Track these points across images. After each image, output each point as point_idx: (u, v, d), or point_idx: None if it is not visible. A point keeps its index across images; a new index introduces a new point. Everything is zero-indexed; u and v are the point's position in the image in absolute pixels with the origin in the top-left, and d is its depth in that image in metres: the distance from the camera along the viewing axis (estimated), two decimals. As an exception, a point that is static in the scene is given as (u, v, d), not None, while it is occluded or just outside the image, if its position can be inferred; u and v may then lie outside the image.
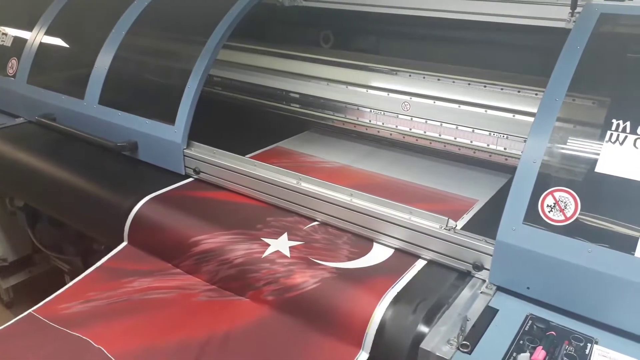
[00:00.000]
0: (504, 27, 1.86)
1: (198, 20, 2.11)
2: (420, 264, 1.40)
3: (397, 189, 1.81)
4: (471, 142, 1.94)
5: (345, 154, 2.14)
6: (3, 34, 2.63)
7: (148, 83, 2.15)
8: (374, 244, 1.49)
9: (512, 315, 1.20)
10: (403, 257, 1.43)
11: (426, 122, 2.04)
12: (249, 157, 1.83)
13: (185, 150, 1.86)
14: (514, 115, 1.85)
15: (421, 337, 1.15)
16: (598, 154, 1.21)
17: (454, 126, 1.96)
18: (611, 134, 1.21)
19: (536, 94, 1.80)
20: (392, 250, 1.46)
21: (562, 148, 1.27)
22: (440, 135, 2.01)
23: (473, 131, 1.94)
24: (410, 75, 2.09)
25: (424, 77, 2.05)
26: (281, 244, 1.48)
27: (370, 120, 2.22)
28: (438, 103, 2.00)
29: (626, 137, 1.19)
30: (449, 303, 1.26)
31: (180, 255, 1.54)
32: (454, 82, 1.99)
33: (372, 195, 1.51)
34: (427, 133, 2.05)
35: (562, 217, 1.20)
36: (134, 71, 2.20)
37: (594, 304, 1.16)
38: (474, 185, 1.83)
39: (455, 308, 1.24)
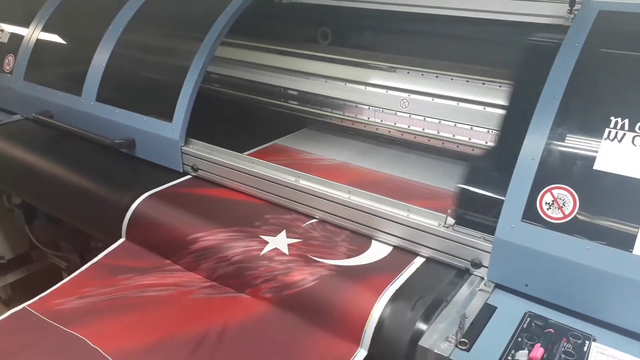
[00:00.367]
0: (501, 24, 1.85)
1: (196, 17, 2.11)
2: (418, 262, 1.40)
3: (396, 186, 1.80)
4: (470, 139, 1.94)
5: (344, 152, 2.13)
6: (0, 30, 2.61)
7: (146, 80, 2.14)
8: (373, 241, 1.49)
9: (510, 312, 1.20)
10: (401, 254, 1.43)
11: (425, 119, 2.04)
12: (247, 155, 1.82)
13: (183, 148, 1.86)
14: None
15: (419, 334, 1.15)
16: (596, 152, 1.21)
17: (453, 123, 1.96)
18: (610, 132, 1.21)
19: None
20: (391, 248, 1.46)
21: (561, 145, 1.27)
22: (438, 132, 2.01)
23: (472, 129, 1.93)
24: (408, 73, 2.08)
25: (422, 75, 2.05)
26: (279, 242, 1.48)
27: (368, 118, 2.22)
28: (437, 100, 2.00)
29: (625, 134, 1.19)
30: (448, 300, 1.26)
31: (178, 253, 1.54)
32: (452, 79, 1.98)
33: (371, 192, 1.51)
34: (426, 130, 2.05)
35: (561, 215, 1.20)
36: (132, 68, 2.19)
37: (592, 301, 1.16)
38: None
39: (454, 305, 1.24)
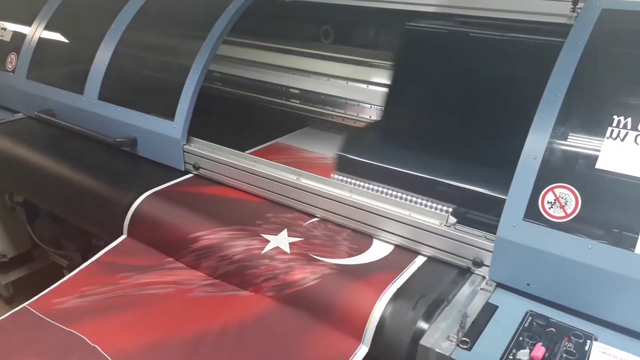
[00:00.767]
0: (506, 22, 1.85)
1: (198, 15, 2.11)
2: (420, 260, 1.40)
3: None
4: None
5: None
6: (2, 28, 2.62)
7: (148, 78, 2.14)
8: (374, 240, 1.49)
9: (511, 311, 1.20)
10: (403, 253, 1.43)
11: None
12: (249, 153, 1.83)
13: (184, 146, 1.86)
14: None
15: (421, 333, 1.15)
16: (599, 150, 1.21)
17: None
18: (612, 130, 1.20)
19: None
20: (392, 247, 1.46)
21: (563, 144, 1.26)
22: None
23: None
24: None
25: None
26: (281, 240, 1.47)
27: (370, 116, 2.22)
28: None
29: (627, 133, 1.19)
30: (449, 299, 1.25)
31: (179, 251, 1.54)
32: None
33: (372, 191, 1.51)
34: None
35: (563, 214, 1.20)
36: (134, 67, 2.19)
37: (594, 300, 1.16)
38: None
39: (455, 304, 1.24)
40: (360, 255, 1.42)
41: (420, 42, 1.72)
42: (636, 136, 1.18)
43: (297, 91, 2.38)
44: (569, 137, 1.27)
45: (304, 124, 2.38)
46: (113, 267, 1.55)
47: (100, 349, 1.28)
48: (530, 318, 1.17)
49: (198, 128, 1.87)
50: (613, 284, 1.13)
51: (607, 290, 1.14)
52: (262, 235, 1.49)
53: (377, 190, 1.59)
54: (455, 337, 1.11)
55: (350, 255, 1.42)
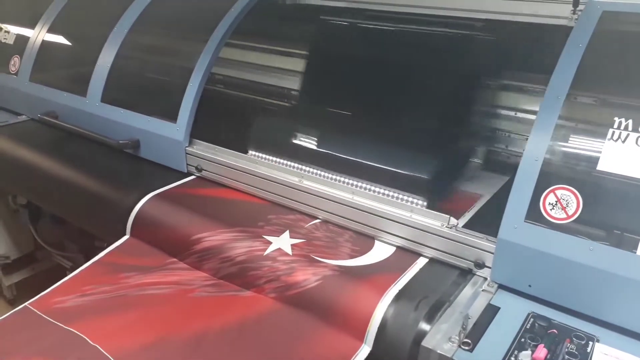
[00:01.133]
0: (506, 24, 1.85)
1: (200, 18, 2.11)
2: (422, 262, 1.40)
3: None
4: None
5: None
6: (5, 31, 2.63)
7: (150, 81, 2.15)
8: (376, 241, 1.50)
9: (513, 313, 1.20)
10: (405, 254, 1.43)
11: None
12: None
13: (187, 148, 1.86)
14: (515, 114, 1.84)
15: (423, 334, 1.16)
16: (600, 152, 1.21)
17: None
18: (613, 132, 1.21)
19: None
20: (394, 248, 1.46)
21: (564, 146, 1.27)
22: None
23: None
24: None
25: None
26: (283, 242, 1.48)
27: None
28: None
29: (628, 135, 1.19)
30: (451, 301, 1.26)
31: (181, 252, 1.55)
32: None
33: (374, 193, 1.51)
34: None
35: (564, 215, 1.20)
36: (136, 69, 2.20)
37: (596, 302, 1.16)
38: (476, 183, 1.82)
39: (457, 306, 1.24)
40: (362, 257, 1.43)
41: (328, 33, 1.97)
42: (637, 138, 1.18)
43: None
44: (570, 138, 1.28)
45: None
46: (114, 267, 1.56)
47: (100, 348, 1.28)
48: (532, 319, 1.18)
49: (201, 130, 1.88)
50: (614, 285, 1.13)
51: (608, 291, 1.14)
52: (264, 236, 1.50)
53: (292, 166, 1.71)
54: (457, 338, 1.12)
55: (352, 257, 1.42)
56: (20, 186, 2.25)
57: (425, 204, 1.50)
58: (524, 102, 1.84)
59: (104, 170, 1.95)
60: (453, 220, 1.38)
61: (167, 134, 1.89)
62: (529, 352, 1.07)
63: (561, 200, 1.21)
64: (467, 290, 1.29)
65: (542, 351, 1.07)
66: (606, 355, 1.08)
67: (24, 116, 2.45)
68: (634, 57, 1.32)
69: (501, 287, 1.28)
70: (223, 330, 1.31)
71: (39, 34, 2.45)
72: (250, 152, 1.82)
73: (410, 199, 1.53)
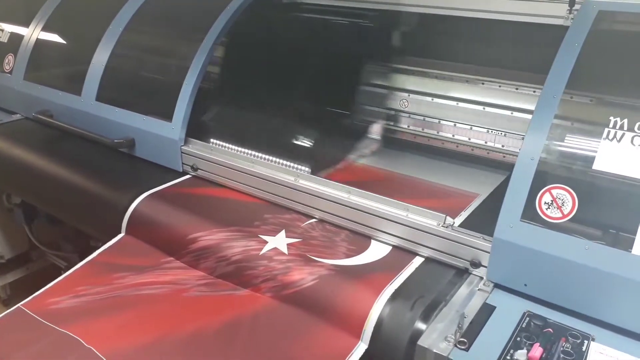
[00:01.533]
0: (502, 24, 1.85)
1: (195, 16, 2.11)
2: (418, 261, 1.40)
3: (395, 186, 1.80)
4: (469, 139, 1.95)
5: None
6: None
7: (145, 80, 2.14)
8: (372, 241, 1.49)
9: (509, 312, 1.20)
10: (401, 254, 1.43)
11: (424, 119, 2.04)
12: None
13: (182, 147, 1.86)
14: (512, 113, 1.85)
15: (419, 334, 1.15)
16: (596, 152, 1.21)
17: (452, 123, 1.96)
18: (609, 132, 1.21)
19: (534, 91, 1.80)
20: (390, 248, 1.46)
21: (560, 145, 1.27)
22: (438, 132, 2.01)
23: (471, 128, 1.94)
24: (409, 73, 2.08)
25: (422, 75, 2.05)
26: (279, 241, 1.48)
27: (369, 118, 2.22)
28: (436, 100, 2.00)
29: (624, 134, 1.19)
30: (447, 300, 1.26)
31: (177, 252, 1.54)
32: (452, 79, 1.99)
33: (370, 192, 1.51)
34: (426, 130, 2.05)
35: (560, 214, 1.20)
36: (131, 68, 2.19)
37: (591, 301, 1.16)
38: (471, 183, 1.82)
39: (453, 305, 1.24)
40: (358, 256, 1.43)
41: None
42: (633, 137, 1.18)
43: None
44: (565, 138, 1.28)
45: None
46: (108, 267, 1.55)
47: (95, 350, 1.27)
48: (527, 318, 1.18)
49: (197, 129, 1.87)
50: (610, 284, 1.13)
51: (604, 290, 1.14)
52: (260, 236, 1.49)
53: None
54: (453, 337, 1.11)
55: (348, 256, 1.42)
56: (14, 185, 2.24)
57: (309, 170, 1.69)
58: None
59: (99, 169, 1.94)
60: (449, 220, 1.38)
61: (162, 133, 1.89)
62: (524, 351, 1.08)
63: (557, 200, 1.21)
64: (463, 290, 1.29)
65: (537, 350, 1.07)
66: (601, 354, 1.08)
67: (18, 115, 2.43)
68: (630, 56, 1.32)
69: (497, 286, 1.28)
70: (219, 329, 1.30)
71: (33, 32, 2.44)
72: (245, 151, 1.81)
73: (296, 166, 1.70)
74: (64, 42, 2.43)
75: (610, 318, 1.15)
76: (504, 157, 1.89)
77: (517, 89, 1.85)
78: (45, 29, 2.43)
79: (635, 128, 1.19)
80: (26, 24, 2.49)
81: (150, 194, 1.71)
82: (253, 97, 2.12)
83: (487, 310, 1.21)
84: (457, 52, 2.05)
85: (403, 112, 2.11)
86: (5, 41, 2.55)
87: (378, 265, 1.39)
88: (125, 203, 1.69)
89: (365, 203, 1.49)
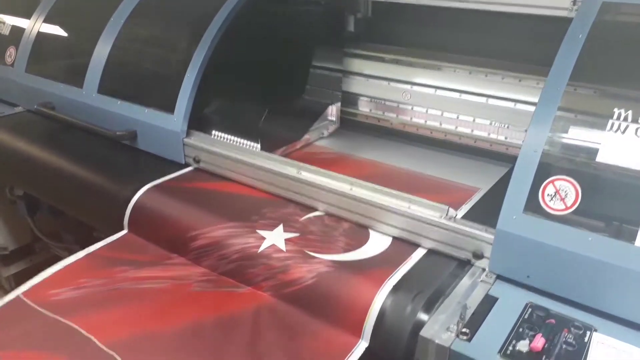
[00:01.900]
0: (505, 15, 1.84)
1: (197, 8, 2.10)
2: (419, 253, 1.40)
3: (398, 178, 1.80)
4: (472, 131, 1.94)
5: (345, 144, 2.13)
6: (1, 22, 2.61)
7: (147, 72, 2.14)
8: (372, 234, 1.49)
9: (511, 303, 1.21)
10: (402, 246, 1.43)
11: (427, 111, 2.04)
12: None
13: (184, 139, 1.85)
14: (514, 105, 1.84)
15: (421, 325, 1.16)
16: (599, 143, 1.21)
17: (455, 115, 1.96)
18: (612, 123, 1.20)
19: (537, 83, 1.79)
20: (390, 241, 1.46)
21: (563, 137, 1.26)
22: (441, 124, 2.01)
23: (474, 120, 1.93)
24: (411, 64, 2.08)
25: (424, 66, 2.05)
26: (276, 237, 1.46)
27: (370, 110, 2.22)
28: (439, 92, 1.99)
29: (627, 126, 1.19)
30: (449, 291, 1.26)
31: (179, 249, 1.54)
32: (455, 70, 1.98)
33: (373, 184, 1.51)
34: (428, 122, 2.05)
35: (563, 206, 1.20)
36: (133, 60, 2.18)
37: (594, 292, 1.16)
38: (474, 175, 1.82)
39: (455, 296, 1.24)
40: (358, 250, 1.42)
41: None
42: (637, 129, 1.18)
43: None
44: (569, 130, 1.27)
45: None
46: (110, 261, 1.55)
47: (94, 339, 1.27)
48: (530, 309, 1.18)
49: (199, 120, 1.87)
50: (613, 276, 1.13)
51: (606, 282, 1.14)
52: (258, 231, 1.48)
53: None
54: (455, 328, 1.12)
55: (347, 251, 1.41)
56: (16, 177, 2.24)
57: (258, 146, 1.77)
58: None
59: (101, 161, 1.95)
60: (452, 212, 1.38)
61: (164, 125, 1.89)
62: (527, 341, 1.08)
63: (560, 191, 1.21)
64: (466, 281, 1.30)
65: (540, 341, 1.07)
66: (603, 345, 1.08)
67: (20, 107, 2.43)
68: (634, 48, 1.32)
69: (499, 277, 1.29)
70: (219, 324, 1.30)
71: (34, 25, 2.43)
72: (247, 142, 1.81)
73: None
74: (66, 34, 2.42)
75: (613, 309, 1.15)
76: (507, 149, 1.89)
77: (520, 80, 1.84)
78: (47, 21, 2.42)
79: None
80: (28, 16, 2.48)
81: (152, 186, 1.71)
82: (254, 88, 2.12)
83: (489, 302, 1.21)
84: (460, 44, 2.04)
85: (405, 104, 2.11)
86: (7, 34, 2.55)
87: (378, 258, 1.38)
88: (128, 195, 1.69)
89: (368, 195, 1.49)
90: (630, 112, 1.20)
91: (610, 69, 1.33)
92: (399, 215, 1.43)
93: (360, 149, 2.07)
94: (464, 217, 1.41)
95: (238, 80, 2.06)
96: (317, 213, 1.59)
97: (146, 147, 1.98)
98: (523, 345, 1.07)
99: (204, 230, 1.51)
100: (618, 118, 1.20)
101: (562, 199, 1.20)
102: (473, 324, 1.14)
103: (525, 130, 1.76)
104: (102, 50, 2.12)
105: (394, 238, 1.46)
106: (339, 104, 2.28)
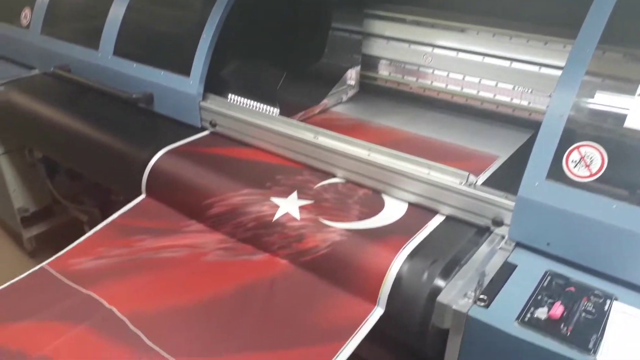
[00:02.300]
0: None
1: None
2: (437, 220, 1.38)
3: (417, 145, 1.77)
4: (494, 96, 1.89)
5: (364, 110, 2.10)
6: (15, -18, 2.58)
7: (163, 33, 2.10)
8: (388, 201, 1.46)
9: (530, 271, 1.19)
10: (420, 213, 1.41)
11: (448, 75, 1.99)
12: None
13: (201, 103, 1.84)
14: (539, 69, 1.78)
15: (438, 291, 1.15)
16: (628, 109, 1.16)
17: (477, 79, 1.91)
18: (643, 88, 1.16)
19: (564, 46, 1.73)
20: (407, 207, 1.43)
21: (591, 102, 1.22)
22: (462, 89, 1.95)
23: (496, 85, 1.88)
24: (432, 26, 2.01)
25: (447, 28, 1.98)
26: (290, 204, 1.44)
27: (389, 74, 2.17)
28: (461, 55, 1.94)
29: (658, 91, 1.14)
30: (467, 258, 1.25)
31: (195, 216, 1.55)
32: (477, 33, 1.91)
33: (391, 150, 1.48)
34: (449, 87, 2.00)
35: (587, 173, 1.17)
36: (149, 21, 2.15)
37: (616, 260, 1.14)
38: (495, 141, 1.78)
39: (473, 263, 1.23)
40: (373, 218, 1.40)
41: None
42: (668, 94, 1.13)
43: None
44: (596, 94, 1.23)
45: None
46: (128, 230, 1.56)
47: (116, 311, 1.30)
48: (549, 277, 1.17)
49: (217, 84, 1.84)
50: (636, 244, 1.10)
51: (629, 250, 1.12)
52: (272, 199, 1.46)
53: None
54: (473, 294, 1.11)
55: (362, 219, 1.40)
56: (34, 140, 2.26)
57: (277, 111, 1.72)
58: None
59: (118, 124, 1.94)
60: (472, 178, 1.36)
61: (180, 88, 1.87)
62: (545, 309, 1.07)
63: (585, 158, 1.17)
64: (484, 248, 1.28)
65: (559, 308, 1.06)
66: (624, 314, 1.07)
67: (36, 70, 2.43)
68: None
69: (519, 245, 1.27)
70: (236, 293, 1.31)
71: (49, -15, 2.40)
72: (264, 107, 1.79)
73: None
74: (80, -5, 2.39)
75: (635, 278, 1.13)
76: (530, 115, 1.84)
77: (545, 43, 1.78)
78: (61, -19, 2.39)
79: (672, 84, 1.13)
80: (42, -24, 2.45)
81: (169, 150, 1.71)
82: (272, 51, 2.08)
83: (508, 269, 1.20)
84: (484, 6, 1.97)
85: (426, 67, 2.05)
86: (22, -6, 2.53)
87: (394, 226, 1.36)
88: (145, 158, 1.69)
89: (386, 161, 1.47)
90: (662, 77, 1.15)
91: (643, 32, 1.27)
92: (418, 182, 1.41)
93: (378, 115, 2.03)
94: (484, 183, 1.38)
95: (255, 42, 2.03)
96: (331, 180, 1.57)
97: (162, 110, 1.97)
98: (541, 313, 1.06)
99: (220, 198, 1.51)
100: (649, 83, 1.15)
101: (587, 166, 1.17)
102: (491, 290, 1.13)
103: (550, 95, 1.75)
104: (117, 12, 2.09)
105: (410, 205, 1.44)
106: (358, 68, 2.22)
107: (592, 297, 1.11)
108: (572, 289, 1.13)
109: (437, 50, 2.01)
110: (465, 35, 1.94)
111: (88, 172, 2.07)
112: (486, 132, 1.88)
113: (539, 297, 1.11)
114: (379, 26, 2.16)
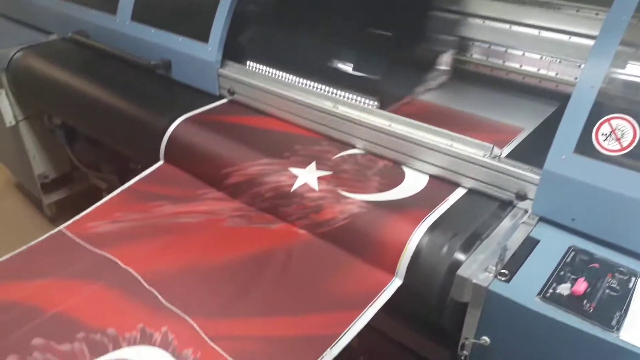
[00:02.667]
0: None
1: None
2: (459, 193, 1.36)
3: (438, 116, 1.73)
4: (521, 66, 1.83)
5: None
6: (32, -55, 2.54)
7: (181, -2, 2.07)
8: (408, 173, 1.44)
9: (553, 246, 1.16)
10: (441, 185, 1.39)
11: (473, 44, 1.92)
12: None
13: (219, 70, 1.81)
14: (569, 38, 1.71)
15: (458, 264, 1.14)
16: (664, 80, 1.11)
17: (503, 49, 1.84)
18: (680, 59, 1.10)
19: (597, 14, 1.65)
20: (428, 180, 1.41)
21: (624, 73, 1.17)
22: (487, 58, 1.89)
23: (523, 54, 1.82)
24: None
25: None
26: (309, 175, 1.43)
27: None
28: (487, 23, 1.87)
29: (697, 62, 1.09)
30: (488, 233, 1.22)
31: (213, 184, 1.54)
32: (506, 0, 1.84)
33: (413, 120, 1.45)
34: (474, 56, 1.94)
35: (618, 147, 1.13)
36: (166, -15, 2.11)
37: (644, 237, 1.11)
38: (520, 113, 1.73)
39: (495, 237, 1.21)
40: (393, 190, 1.38)
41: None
42: None
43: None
44: (631, 64, 1.17)
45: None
46: (146, 196, 1.56)
47: (132, 270, 1.31)
48: (573, 253, 1.14)
49: (235, 51, 1.80)
50: (666, 221, 1.07)
51: (658, 227, 1.09)
52: (290, 169, 1.45)
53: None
54: (494, 269, 1.09)
55: (381, 191, 1.38)
56: (53, 106, 2.26)
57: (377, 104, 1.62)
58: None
59: (137, 91, 1.93)
60: (496, 150, 1.32)
61: (198, 55, 1.84)
62: (568, 284, 1.05)
63: (616, 131, 1.13)
64: (506, 222, 1.26)
65: (582, 285, 1.04)
66: (650, 292, 1.04)
67: (54, 35, 2.41)
68: None
69: (542, 219, 1.24)
70: (252, 258, 1.31)
71: (66, -52, 2.36)
72: (284, 75, 1.75)
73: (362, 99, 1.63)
74: (97, -42, 2.35)
75: (662, 256, 1.10)
76: (557, 86, 1.78)
77: (577, 11, 1.70)
78: (77, -57, 2.34)
79: None
80: (58, -62, 2.41)
81: (188, 118, 1.69)
82: (299, 18, 2.01)
83: (530, 244, 1.17)
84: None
85: (450, 36, 1.99)
86: (39, -43, 2.49)
87: (414, 199, 1.34)
88: (164, 125, 1.68)
89: (408, 131, 1.44)
90: (701, 47, 1.09)
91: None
92: (440, 153, 1.38)
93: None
94: (508, 156, 1.35)
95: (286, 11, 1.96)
96: (350, 151, 1.55)
97: (180, 77, 1.95)
98: (564, 289, 1.04)
99: (238, 168, 1.50)
100: (688, 53, 1.09)
101: (618, 139, 1.13)
102: (512, 265, 1.11)
103: (579, 66, 1.69)
104: (134, -25, 2.05)
105: (431, 177, 1.42)
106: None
107: (616, 274, 1.08)
108: (597, 265, 1.11)
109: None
110: (491, 3, 1.87)
111: (106, 138, 2.07)
112: (511, 103, 1.82)
113: (562, 273, 1.09)
114: None
